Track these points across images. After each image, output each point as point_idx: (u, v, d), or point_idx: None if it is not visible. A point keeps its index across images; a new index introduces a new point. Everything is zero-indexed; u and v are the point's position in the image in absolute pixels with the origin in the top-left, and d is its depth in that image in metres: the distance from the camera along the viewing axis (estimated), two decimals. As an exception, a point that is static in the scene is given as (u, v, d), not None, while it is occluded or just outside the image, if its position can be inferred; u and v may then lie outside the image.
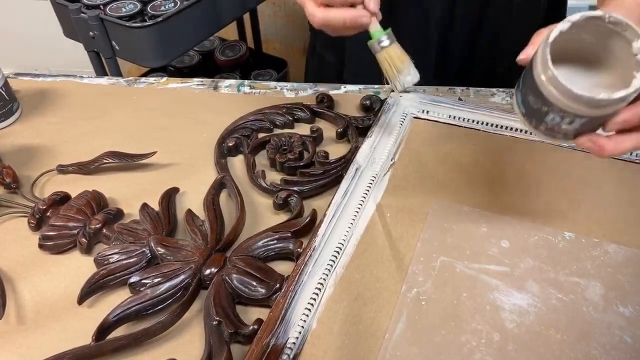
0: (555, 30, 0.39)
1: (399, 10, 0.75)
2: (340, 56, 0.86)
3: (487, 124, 0.63)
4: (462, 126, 0.64)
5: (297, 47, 1.84)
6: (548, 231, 0.51)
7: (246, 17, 1.48)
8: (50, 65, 1.93)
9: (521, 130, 0.62)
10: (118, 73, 1.04)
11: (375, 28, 0.53)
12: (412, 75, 0.56)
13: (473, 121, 0.64)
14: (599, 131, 0.41)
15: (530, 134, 0.61)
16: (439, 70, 0.81)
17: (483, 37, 0.77)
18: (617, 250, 0.49)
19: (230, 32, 1.59)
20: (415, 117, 0.66)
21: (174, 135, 0.68)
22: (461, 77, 0.81)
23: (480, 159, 0.60)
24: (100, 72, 1.06)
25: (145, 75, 1.37)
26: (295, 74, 1.86)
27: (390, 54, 0.54)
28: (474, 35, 0.77)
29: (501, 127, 0.63)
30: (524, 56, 0.43)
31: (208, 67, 1.44)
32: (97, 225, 0.53)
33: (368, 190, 0.56)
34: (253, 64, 1.48)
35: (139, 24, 0.93)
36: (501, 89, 0.72)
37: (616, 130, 0.40)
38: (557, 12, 0.79)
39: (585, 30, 0.40)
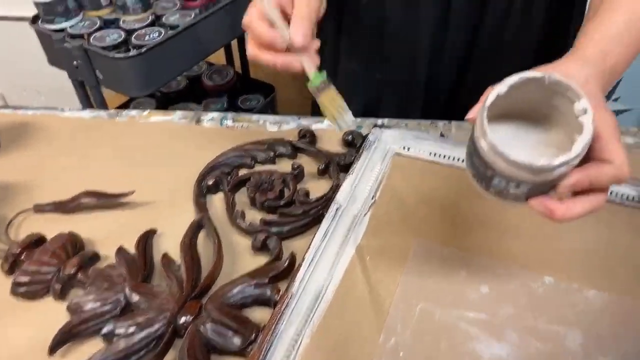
0: (493, 93, 0.38)
1: (387, 43, 0.75)
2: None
3: (468, 161, 0.63)
4: (443, 163, 0.64)
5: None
6: (528, 276, 0.51)
7: (234, 41, 1.48)
8: (39, 85, 1.92)
9: (502, 169, 0.62)
10: (102, 101, 1.03)
11: (311, 71, 0.51)
12: (350, 119, 0.54)
13: (454, 158, 0.64)
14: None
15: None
16: (427, 103, 0.80)
17: (472, 71, 0.77)
18: (597, 296, 0.49)
19: (218, 55, 1.60)
20: (397, 154, 0.66)
21: (154, 171, 0.67)
22: (449, 110, 0.81)
23: (462, 197, 0.59)
24: (85, 100, 1.06)
25: (129, 102, 1.36)
26: (283, 99, 1.87)
27: (331, 96, 0.53)
28: (463, 68, 0.77)
29: (482, 164, 0.63)
30: (471, 115, 0.41)
31: (195, 92, 1.44)
32: (72, 271, 0.52)
33: (348, 231, 0.55)
34: (240, 88, 1.48)
35: (122, 55, 0.93)
36: (483, 123, 0.72)
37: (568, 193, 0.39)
38: (552, 45, 0.76)
39: (529, 88, 0.39)
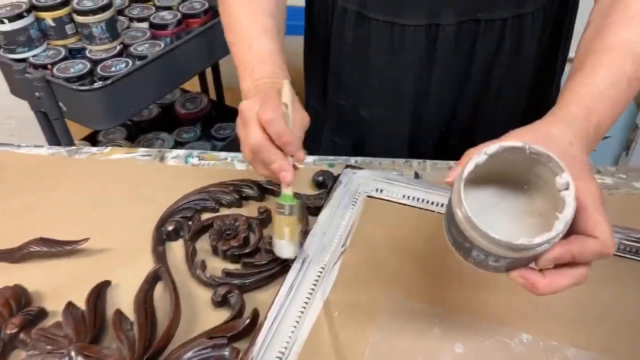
0: (471, 163, 0.37)
1: (371, 82, 0.73)
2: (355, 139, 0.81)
3: (442, 204, 0.61)
4: (416, 207, 0.61)
5: (263, 96, 1.82)
6: (504, 332, 0.48)
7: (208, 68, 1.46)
8: (9, 109, 1.87)
9: (477, 213, 0.60)
10: (66, 133, 0.99)
11: (288, 192, 0.51)
12: (293, 251, 0.52)
13: (428, 202, 0.61)
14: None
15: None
16: (414, 143, 0.78)
17: (459, 113, 0.75)
18: (577, 355, 0.46)
19: (192, 82, 1.57)
20: (368, 196, 0.63)
21: (112, 214, 0.64)
22: (438, 150, 0.78)
23: (435, 245, 0.57)
24: (49, 131, 1.01)
25: (99, 131, 1.32)
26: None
27: (289, 222, 0.51)
28: (449, 113, 0.75)
29: (457, 208, 0.60)
30: (449, 179, 0.40)
31: (168, 120, 1.41)
32: (13, 331, 0.48)
33: (316, 283, 0.52)
34: (215, 116, 1.45)
35: (87, 87, 0.89)
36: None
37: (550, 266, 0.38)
38: (540, 93, 0.76)
39: (509, 156, 0.38)
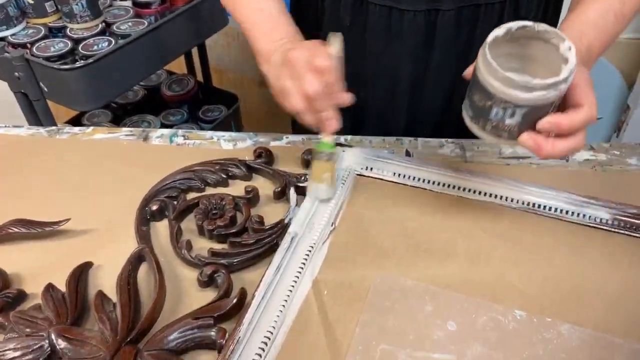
0: (492, 34, 0.45)
1: (368, 65, 0.71)
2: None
3: (433, 182, 0.59)
4: (407, 185, 0.60)
5: (251, 78, 1.80)
6: (498, 310, 0.47)
7: (195, 48, 1.42)
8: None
9: (469, 190, 0.58)
10: (48, 115, 0.96)
11: (330, 140, 0.54)
12: (332, 193, 0.57)
13: (419, 179, 0.60)
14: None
15: (480, 193, 0.58)
16: (410, 128, 0.76)
17: (457, 101, 0.73)
18: (571, 331, 0.45)
19: (179, 64, 1.53)
20: (358, 175, 0.62)
21: (94, 195, 0.62)
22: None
23: (427, 222, 0.55)
24: (30, 114, 0.98)
25: (83, 113, 1.29)
26: (248, 107, 1.81)
27: (330, 167, 0.56)
28: (447, 98, 0.73)
29: (448, 185, 0.59)
30: (466, 72, 0.48)
31: (154, 103, 1.37)
32: (-9, 314, 0.46)
33: (305, 262, 0.51)
34: (202, 98, 1.42)
35: (68, 66, 0.86)
36: (450, 140, 0.69)
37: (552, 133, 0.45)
38: None
39: (515, 39, 0.46)
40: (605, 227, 0.54)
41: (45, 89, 0.91)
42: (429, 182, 0.59)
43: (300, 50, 0.51)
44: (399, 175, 0.60)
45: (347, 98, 0.52)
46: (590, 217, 0.54)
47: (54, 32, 0.99)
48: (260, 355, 0.43)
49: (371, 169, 0.62)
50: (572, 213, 0.55)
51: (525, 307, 0.47)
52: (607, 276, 0.50)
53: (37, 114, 0.99)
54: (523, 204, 0.56)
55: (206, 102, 1.41)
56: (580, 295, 0.48)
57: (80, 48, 0.93)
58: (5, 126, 0.74)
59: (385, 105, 0.74)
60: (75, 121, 1.31)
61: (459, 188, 0.58)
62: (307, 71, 0.49)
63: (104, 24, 1.00)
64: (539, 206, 0.56)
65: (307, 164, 0.64)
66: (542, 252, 0.52)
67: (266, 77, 0.56)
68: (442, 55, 0.67)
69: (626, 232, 0.54)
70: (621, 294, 0.48)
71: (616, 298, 0.48)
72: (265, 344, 0.43)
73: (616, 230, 0.54)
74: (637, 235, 0.53)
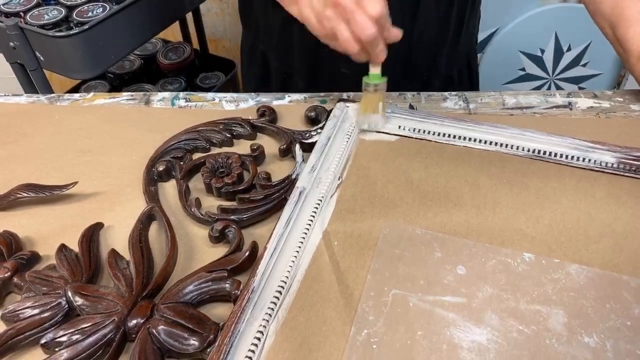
0: None
1: None
2: (287, 60, 0.80)
3: (438, 133, 0.59)
4: (412, 137, 0.60)
5: (248, 45, 1.78)
6: (506, 253, 0.47)
7: (190, 16, 1.40)
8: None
9: (474, 140, 0.58)
10: (46, 86, 0.95)
11: (378, 71, 0.55)
12: (384, 122, 0.60)
13: (423, 131, 0.60)
14: None
15: (485, 142, 0.58)
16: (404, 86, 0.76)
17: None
18: (579, 271, 0.46)
19: (174, 32, 1.51)
20: (363, 129, 0.62)
21: (99, 159, 0.62)
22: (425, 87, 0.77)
23: (432, 173, 0.56)
24: (27, 84, 0.97)
25: (81, 85, 1.27)
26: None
27: (381, 97, 0.58)
28: (436, 46, 0.73)
29: (453, 136, 0.59)
30: None
31: (151, 72, 1.36)
32: (7, 275, 0.47)
33: (314, 216, 0.51)
34: (199, 66, 1.41)
35: (63, 33, 0.85)
36: (453, 93, 0.69)
37: None
38: None
39: None
40: (610, 171, 0.54)
41: (42, 58, 0.90)
42: (433, 133, 0.59)
43: None
44: (403, 128, 0.60)
45: (397, 33, 0.51)
46: (595, 161, 0.55)
47: (46, 0, 0.97)
48: (275, 304, 0.43)
49: (375, 123, 0.61)
50: (578, 158, 0.55)
51: (533, 250, 0.48)
52: (612, 217, 0.50)
53: (34, 86, 0.98)
54: (529, 151, 0.56)
55: (203, 70, 1.39)
56: (587, 237, 0.49)
57: (74, 15, 0.91)
58: (4, 95, 0.73)
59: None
60: (72, 93, 1.30)
61: (464, 138, 0.59)
62: (359, 15, 0.48)
63: (97, -11, 0.99)
64: (544, 153, 0.56)
65: (311, 121, 0.64)
66: (549, 197, 0.53)
67: (300, 17, 0.55)
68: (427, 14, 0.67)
69: (631, 175, 0.54)
70: (627, 233, 0.49)
71: (622, 238, 0.48)
72: (280, 292, 0.44)
73: (621, 173, 0.54)
74: (642, 177, 0.54)
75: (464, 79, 0.84)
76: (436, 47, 0.75)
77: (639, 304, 0.43)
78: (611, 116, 0.64)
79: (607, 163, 0.54)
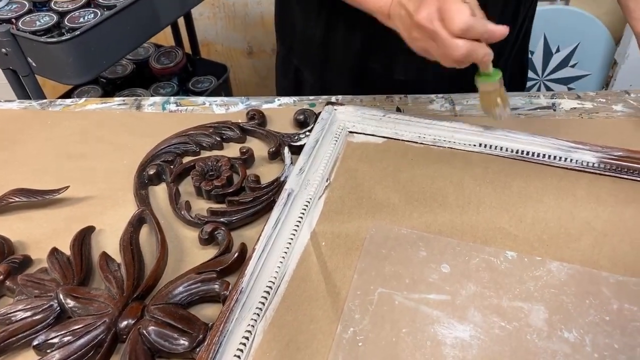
0: None
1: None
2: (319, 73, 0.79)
3: (424, 135, 0.60)
4: (399, 139, 0.61)
5: (240, 49, 1.78)
6: (489, 251, 0.49)
7: (181, 21, 1.41)
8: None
9: (460, 141, 0.59)
10: (38, 91, 0.96)
11: (491, 69, 0.52)
12: (508, 111, 0.56)
13: (410, 133, 0.61)
14: None
15: (469, 144, 0.59)
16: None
17: None
18: (560, 268, 0.47)
19: (167, 36, 1.52)
20: (351, 132, 0.63)
21: (91, 163, 0.62)
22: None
23: (418, 174, 0.57)
24: (19, 90, 0.98)
25: (73, 90, 1.28)
26: (238, 78, 1.80)
27: (498, 92, 0.54)
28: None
29: (439, 138, 0.60)
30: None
31: (143, 76, 1.37)
32: (-1, 278, 0.48)
33: (302, 217, 0.52)
34: (191, 70, 1.41)
35: (55, 39, 0.86)
36: (440, 95, 0.70)
37: None
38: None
39: None
40: (591, 170, 0.56)
41: (34, 64, 0.91)
42: (419, 135, 0.61)
43: (426, 9, 0.47)
44: (391, 130, 0.61)
45: (502, 31, 0.47)
46: (577, 161, 0.56)
47: (39, 6, 0.98)
48: (263, 304, 0.44)
49: (363, 125, 0.63)
50: (560, 158, 0.56)
51: (516, 248, 0.49)
52: (593, 216, 0.52)
53: (27, 91, 0.99)
54: (512, 151, 0.58)
55: (196, 74, 1.40)
56: (569, 235, 0.50)
57: (66, 21, 0.92)
58: (-3, 101, 0.74)
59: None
60: (65, 98, 1.31)
61: (449, 140, 0.60)
62: (444, 35, 0.45)
63: (88, -4, 1.00)
64: (528, 153, 0.57)
65: (300, 124, 0.65)
66: (531, 196, 0.54)
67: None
68: None
69: (612, 174, 0.55)
70: (607, 231, 0.50)
71: (602, 235, 0.50)
72: (268, 292, 0.45)
73: (602, 172, 0.55)
74: (623, 176, 0.55)
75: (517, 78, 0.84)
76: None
77: (618, 299, 0.44)
78: (594, 117, 0.65)
79: (588, 163, 0.56)
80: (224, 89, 1.38)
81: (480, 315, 0.44)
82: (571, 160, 0.56)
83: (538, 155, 0.57)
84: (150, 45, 1.43)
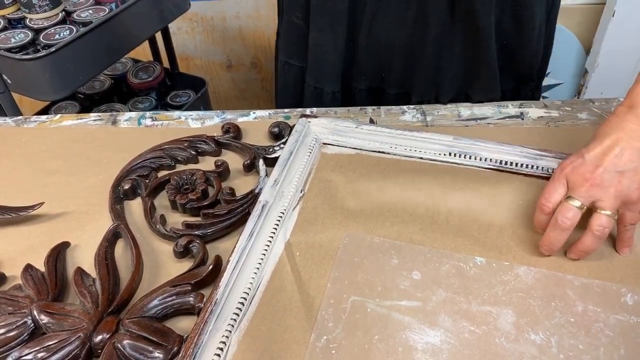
0: None
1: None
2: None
3: (395, 146, 0.62)
4: (371, 150, 0.62)
5: (219, 62, 1.80)
6: (459, 258, 0.50)
7: (159, 35, 1.42)
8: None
9: (431, 151, 0.61)
10: (14, 108, 0.96)
11: None
12: None
13: (382, 144, 0.62)
14: None
15: (439, 154, 0.60)
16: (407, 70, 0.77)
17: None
18: (527, 272, 0.48)
19: (145, 51, 1.53)
20: (325, 144, 0.64)
21: (66, 179, 0.62)
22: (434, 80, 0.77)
23: (390, 184, 0.58)
24: (-5, 107, 0.98)
25: (50, 106, 1.28)
26: (217, 91, 1.81)
27: None
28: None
29: (410, 149, 0.61)
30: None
31: (121, 91, 1.37)
32: (-29, 296, 0.47)
33: (276, 228, 0.53)
34: (170, 84, 1.42)
35: (30, 56, 0.86)
36: (412, 106, 0.72)
37: None
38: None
39: None
40: (557, 177, 0.57)
41: (9, 81, 0.91)
42: (392, 146, 0.62)
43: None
44: (363, 141, 0.63)
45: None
46: (543, 168, 0.58)
47: (14, 23, 0.98)
48: (237, 315, 0.45)
49: (336, 137, 0.64)
50: (527, 165, 0.58)
51: (484, 255, 0.50)
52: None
53: (2, 109, 0.98)
54: (481, 160, 0.59)
55: (174, 88, 1.41)
56: (535, 240, 0.51)
57: (41, 38, 0.92)
58: (-29, 118, 0.74)
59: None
60: (42, 114, 1.30)
61: (419, 150, 0.61)
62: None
63: (63, 12, 1.00)
64: (496, 161, 0.59)
65: (274, 136, 0.66)
66: (499, 203, 0.55)
67: None
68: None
69: (576, 180, 0.57)
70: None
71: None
72: (242, 304, 0.46)
73: (567, 179, 0.57)
74: (587, 182, 0.57)
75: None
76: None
77: (582, 301, 0.46)
78: (560, 125, 0.67)
79: (554, 170, 0.57)
80: (202, 103, 1.38)
81: (451, 320, 0.45)
82: (538, 167, 0.58)
83: (506, 163, 0.59)
84: (128, 60, 1.43)
